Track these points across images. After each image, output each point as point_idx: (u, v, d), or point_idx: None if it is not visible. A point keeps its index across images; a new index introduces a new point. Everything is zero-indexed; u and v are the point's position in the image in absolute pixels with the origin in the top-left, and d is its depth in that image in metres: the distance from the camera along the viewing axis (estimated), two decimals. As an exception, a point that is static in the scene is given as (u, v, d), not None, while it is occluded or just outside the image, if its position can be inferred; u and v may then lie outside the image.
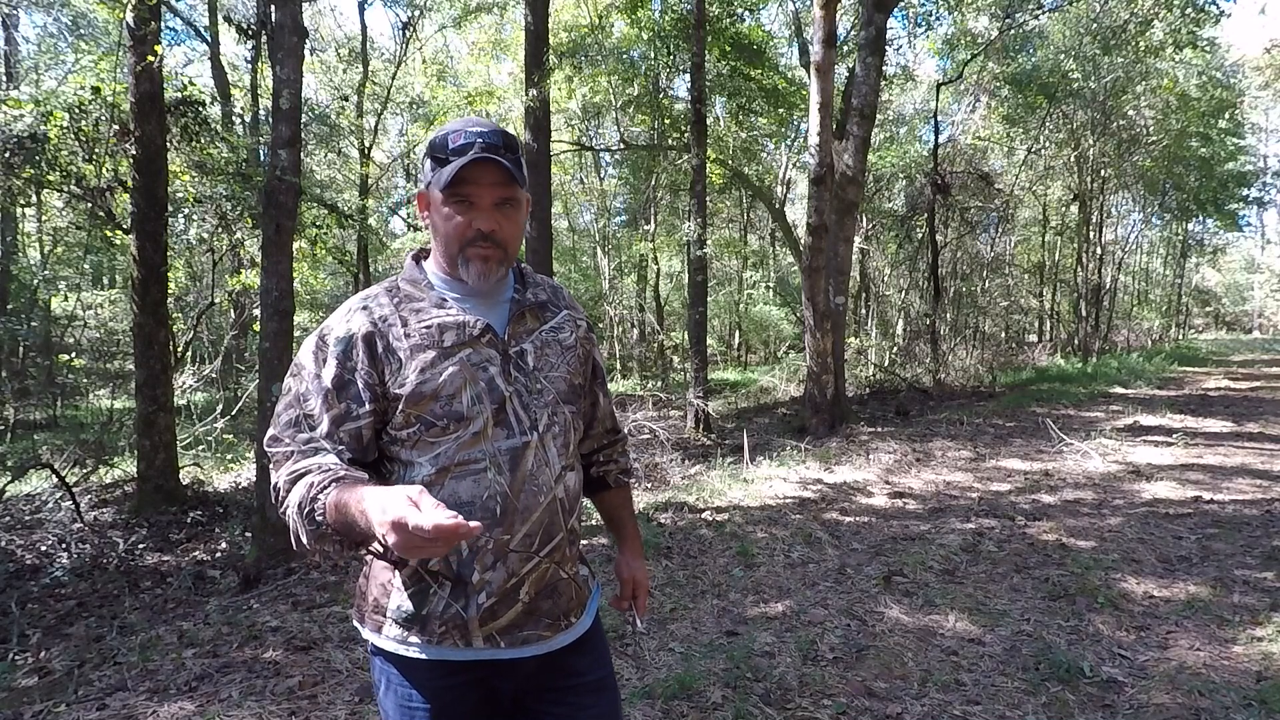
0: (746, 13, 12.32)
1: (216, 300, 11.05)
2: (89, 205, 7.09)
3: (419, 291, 1.21)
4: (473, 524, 0.85)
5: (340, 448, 1.13)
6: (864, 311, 17.36)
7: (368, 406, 1.14)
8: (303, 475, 1.08)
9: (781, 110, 13.41)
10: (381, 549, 1.10)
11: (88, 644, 3.41)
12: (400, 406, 1.14)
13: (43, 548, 5.03)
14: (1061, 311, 21.60)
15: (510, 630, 1.18)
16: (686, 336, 11.89)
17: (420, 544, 0.85)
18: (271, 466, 1.15)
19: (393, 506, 0.86)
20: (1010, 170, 16.96)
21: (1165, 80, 16.18)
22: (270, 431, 1.16)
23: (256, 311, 5.60)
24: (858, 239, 13.39)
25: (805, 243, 8.83)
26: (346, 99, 16.21)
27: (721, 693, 2.70)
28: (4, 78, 13.94)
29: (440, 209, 1.17)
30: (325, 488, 1.03)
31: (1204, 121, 17.90)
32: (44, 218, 13.11)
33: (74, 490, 5.64)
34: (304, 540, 1.06)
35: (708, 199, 12.34)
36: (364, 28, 16.00)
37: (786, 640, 3.14)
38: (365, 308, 1.18)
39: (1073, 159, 17.19)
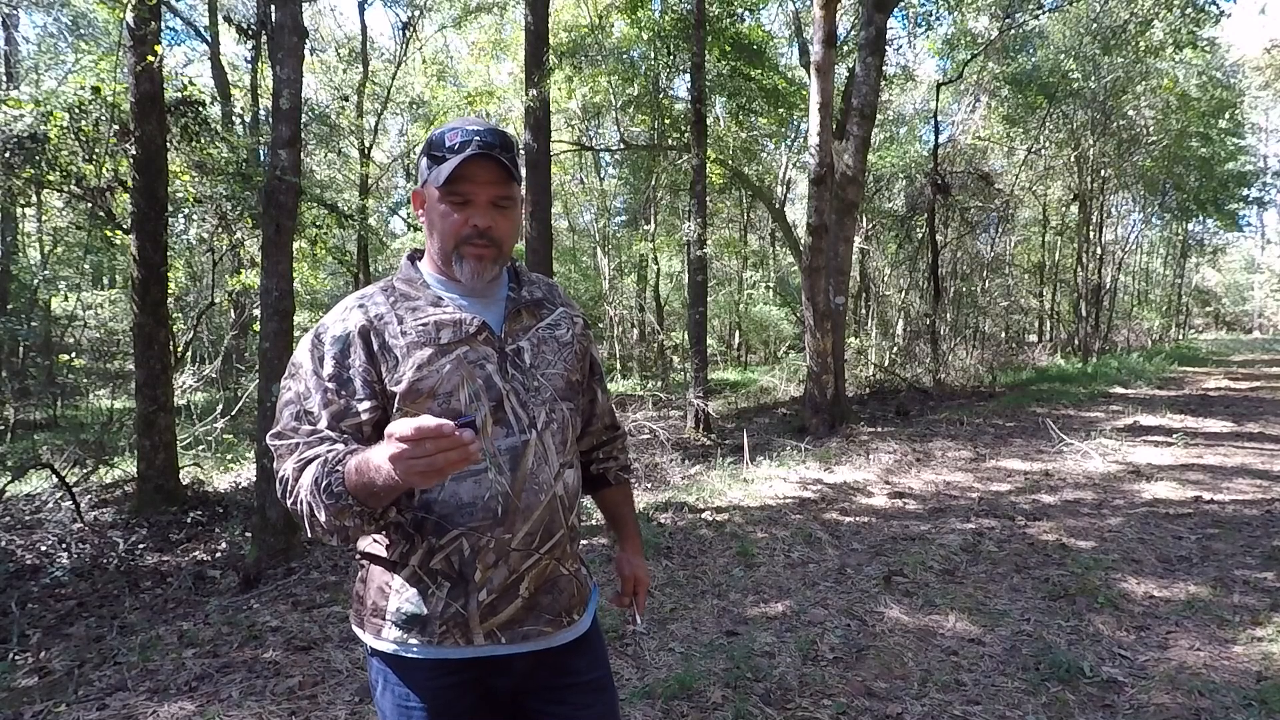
0: (746, 13, 12.32)
1: (216, 300, 11.06)
2: (89, 205, 7.09)
3: (415, 290, 1.21)
4: (465, 434, 0.88)
5: (345, 437, 1.13)
6: (864, 311, 17.34)
7: (367, 403, 1.14)
8: (313, 460, 1.09)
9: (781, 110, 13.40)
10: (394, 519, 1.12)
11: (88, 644, 3.41)
12: (397, 404, 1.14)
13: (43, 548, 5.03)
14: (1061, 311, 21.59)
15: (511, 626, 1.18)
16: (686, 336, 11.89)
17: (414, 455, 0.88)
18: (276, 460, 1.15)
19: (391, 426, 0.89)
20: (1010, 170, 16.96)
21: (1165, 80, 16.18)
22: (273, 429, 1.16)
23: (256, 311, 5.60)
24: (858, 239, 13.38)
25: (805, 243, 8.83)
26: (346, 99, 16.20)
27: (721, 693, 2.70)
28: (4, 78, 13.94)
29: (437, 206, 1.17)
30: (342, 459, 1.04)
31: (1204, 121, 17.89)
32: (44, 218, 13.11)
33: (74, 490, 5.63)
34: (321, 520, 1.05)
35: (708, 199, 12.34)
36: (364, 28, 16.00)
37: (786, 640, 3.14)
38: (361, 306, 1.19)
39: (1073, 159, 17.19)
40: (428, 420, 0.87)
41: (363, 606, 1.22)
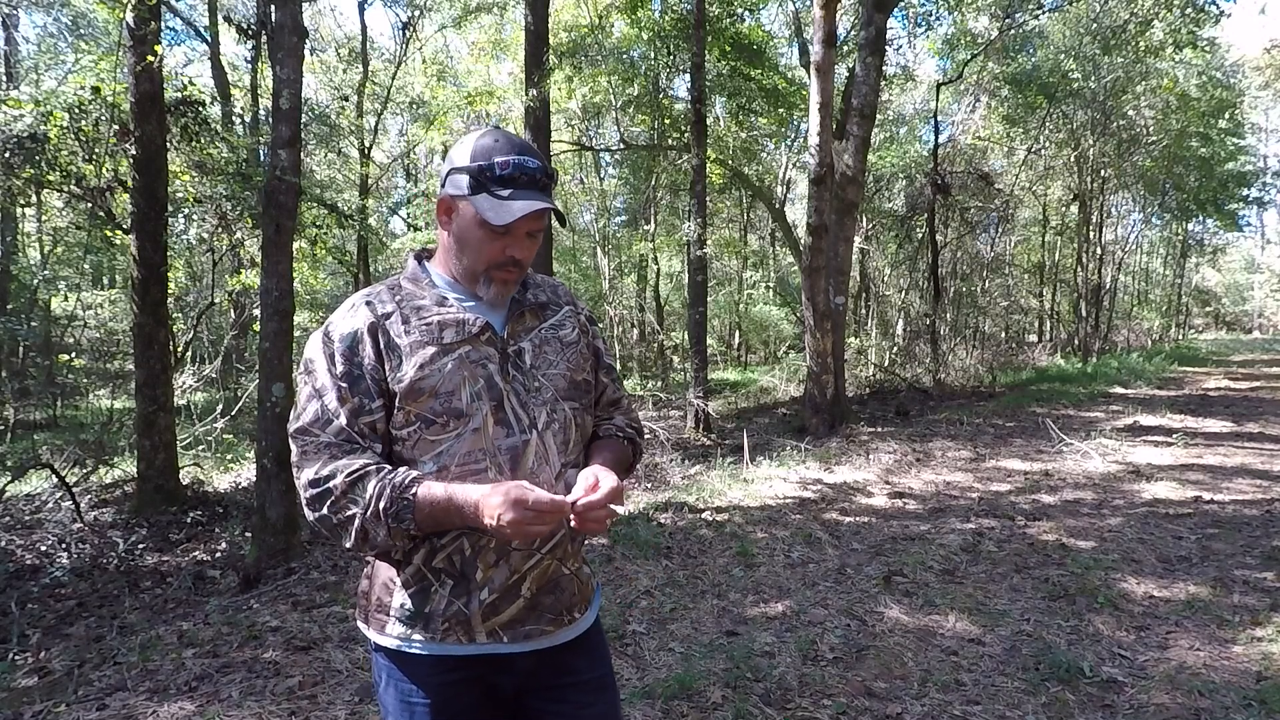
0: (746, 13, 12.32)
1: (216, 300, 11.06)
2: (89, 205, 7.09)
3: (421, 290, 1.22)
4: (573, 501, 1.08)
5: (370, 440, 1.14)
6: (864, 311, 17.34)
7: (378, 401, 1.15)
8: (362, 473, 1.10)
9: (781, 110, 13.40)
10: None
11: (88, 644, 3.41)
12: (399, 403, 1.14)
13: (43, 548, 5.02)
14: (1061, 311, 21.59)
15: (513, 625, 1.19)
16: (686, 336, 11.89)
17: (533, 519, 1.02)
18: (299, 456, 1.14)
19: (512, 489, 1.04)
20: (1010, 170, 16.95)
21: (1165, 80, 16.18)
22: (297, 424, 1.16)
23: (256, 311, 5.60)
24: (858, 239, 13.37)
25: (805, 243, 8.83)
26: (346, 99, 16.18)
27: (721, 693, 2.70)
28: (4, 78, 13.93)
29: (474, 229, 1.17)
30: (407, 486, 1.09)
31: (1204, 121, 17.89)
32: (44, 218, 13.11)
33: (74, 490, 5.63)
34: (378, 539, 1.10)
35: (708, 199, 12.34)
36: (364, 28, 15.97)
37: (786, 640, 3.14)
38: (369, 304, 1.20)
39: (1073, 159, 17.19)
40: (561, 498, 1.06)
41: (368, 602, 1.23)
